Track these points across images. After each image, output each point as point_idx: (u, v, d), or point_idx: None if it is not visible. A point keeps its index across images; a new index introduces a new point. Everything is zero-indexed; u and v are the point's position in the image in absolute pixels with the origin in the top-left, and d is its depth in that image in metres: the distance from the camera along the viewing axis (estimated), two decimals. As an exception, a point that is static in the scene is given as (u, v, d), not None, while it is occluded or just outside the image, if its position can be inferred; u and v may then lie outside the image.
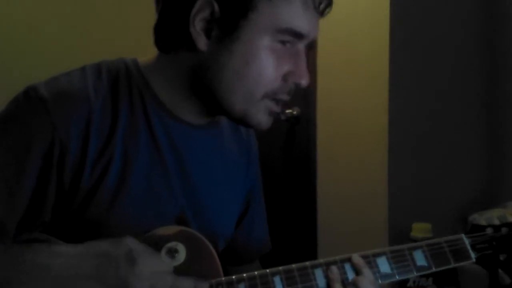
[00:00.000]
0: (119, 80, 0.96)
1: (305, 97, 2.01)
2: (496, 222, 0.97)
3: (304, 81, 0.94)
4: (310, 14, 0.92)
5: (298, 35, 0.92)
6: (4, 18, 2.32)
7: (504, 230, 0.96)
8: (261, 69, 0.91)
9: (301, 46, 0.94)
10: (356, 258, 0.95)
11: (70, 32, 2.33)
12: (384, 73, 1.79)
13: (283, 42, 0.92)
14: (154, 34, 0.97)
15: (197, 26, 0.91)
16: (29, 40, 2.33)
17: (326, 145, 2.01)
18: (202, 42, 0.91)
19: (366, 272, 0.93)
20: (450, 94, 1.89)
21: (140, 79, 0.97)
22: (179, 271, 0.92)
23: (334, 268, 0.94)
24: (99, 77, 0.95)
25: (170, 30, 0.94)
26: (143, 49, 1.02)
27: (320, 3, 0.93)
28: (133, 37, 2.11)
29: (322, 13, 0.95)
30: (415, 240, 1.58)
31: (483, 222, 0.96)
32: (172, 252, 0.93)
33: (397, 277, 0.95)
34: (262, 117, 0.95)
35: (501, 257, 0.95)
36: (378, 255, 0.96)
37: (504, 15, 1.88)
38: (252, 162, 1.14)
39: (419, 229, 1.65)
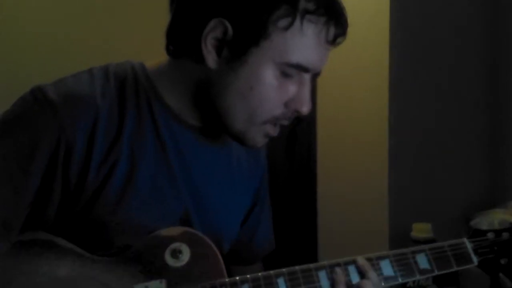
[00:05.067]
0: (126, 83, 0.96)
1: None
2: (497, 226, 0.98)
3: (305, 109, 0.95)
4: (322, 47, 0.93)
5: (305, 70, 0.93)
6: (5, 19, 2.32)
7: (505, 235, 0.97)
8: (264, 96, 0.92)
9: (306, 75, 0.94)
10: (361, 260, 0.96)
11: (72, 34, 2.33)
12: (384, 73, 1.79)
13: (288, 75, 0.92)
14: (166, 38, 0.97)
15: (209, 44, 0.91)
16: (30, 41, 2.33)
17: (326, 145, 2.01)
18: (211, 60, 0.92)
19: (372, 274, 0.94)
20: (451, 94, 1.89)
21: (147, 83, 0.97)
22: (183, 271, 0.93)
23: (338, 270, 0.94)
24: (106, 80, 0.95)
25: (181, 39, 0.95)
26: (147, 52, 1.03)
27: (333, 36, 0.93)
28: (137, 40, 2.13)
29: (334, 44, 0.95)
30: (415, 240, 1.59)
31: (484, 226, 0.97)
32: (176, 253, 0.93)
33: (400, 280, 0.96)
34: (258, 139, 0.97)
35: (503, 261, 0.97)
36: (382, 258, 0.97)
37: (504, 17, 1.88)
38: (259, 164, 1.15)
39: (420, 229, 1.66)
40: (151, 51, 1.01)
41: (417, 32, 1.82)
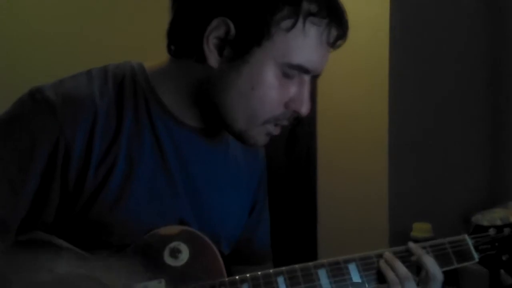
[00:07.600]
0: (125, 84, 0.96)
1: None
2: (499, 222, 0.97)
3: (304, 110, 0.94)
4: (323, 49, 0.93)
5: (306, 71, 0.93)
6: (6, 20, 2.32)
7: (506, 230, 0.97)
8: (265, 96, 0.92)
9: (306, 77, 0.94)
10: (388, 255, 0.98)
11: (73, 33, 2.33)
12: (384, 73, 1.79)
13: (289, 76, 0.92)
14: (167, 38, 0.97)
15: (211, 44, 0.91)
16: (30, 40, 2.33)
17: (327, 145, 2.01)
18: (213, 59, 0.91)
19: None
20: (451, 94, 1.89)
21: (145, 84, 0.97)
22: (182, 271, 0.92)
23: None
24: (104, 81, 0.95)
25: (182, 39, 0.95)
26: (148, 52, 1.02)
27: (334, 38, 0.93)
28: (138, 40, 2.13)
29: (334, 46, 0.95)
30: (415, 240, 1.59)
31: (485, 222, 0.96)
32: (175, 252, 0.93)
33: None
34: (260, 138, 0.97)
35: (504, 258, 0.96)
36: (381, 255, 0.97)
37: (505, 17, 1.88)
38: (257, 164, 1.14)
39: (420, 229, 1.66)
40: (153, 51, 1.01)
41: (417, 32, 1.82)
